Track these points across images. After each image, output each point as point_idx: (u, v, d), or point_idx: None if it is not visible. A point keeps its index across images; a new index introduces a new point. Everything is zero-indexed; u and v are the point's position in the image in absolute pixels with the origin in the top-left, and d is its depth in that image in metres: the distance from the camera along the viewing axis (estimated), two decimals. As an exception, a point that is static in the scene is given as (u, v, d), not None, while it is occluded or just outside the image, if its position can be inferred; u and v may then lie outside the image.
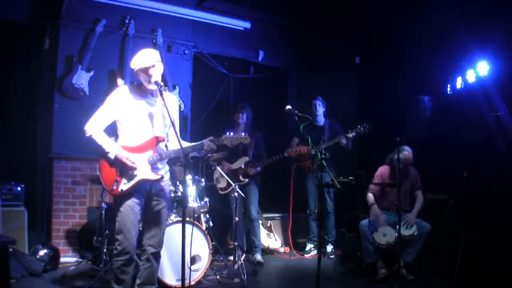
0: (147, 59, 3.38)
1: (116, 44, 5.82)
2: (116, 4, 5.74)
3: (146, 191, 3.44)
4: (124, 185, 3.34)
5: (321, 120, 6.04)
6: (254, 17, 6.84)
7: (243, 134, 3.54)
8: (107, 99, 3.46)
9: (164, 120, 3.48)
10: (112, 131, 3.51)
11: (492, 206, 4.92)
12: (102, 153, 3.39)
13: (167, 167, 3.62)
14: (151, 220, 3.50)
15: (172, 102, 3.56)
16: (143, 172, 3.37)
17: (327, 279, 4.67)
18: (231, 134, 3.50)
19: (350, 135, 5.66)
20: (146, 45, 5.81)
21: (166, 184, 3.59)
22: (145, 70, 3.36)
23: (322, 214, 5.71)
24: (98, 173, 3.47)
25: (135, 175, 3.35)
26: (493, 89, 5.15)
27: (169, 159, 3.51)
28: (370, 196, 5.23)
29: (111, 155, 3.34)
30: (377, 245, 4.87)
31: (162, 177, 3.44)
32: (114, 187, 3.35)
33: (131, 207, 3.37)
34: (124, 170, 3.36)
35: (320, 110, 6.02)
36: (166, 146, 3.44)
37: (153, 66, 3.38)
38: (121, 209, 3.37)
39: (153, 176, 3.40)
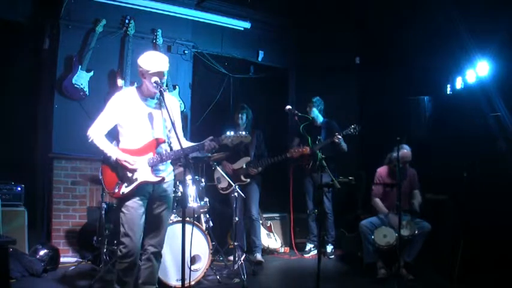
0: (164, 64, 3.37)
1: (116, 44, 5.81)
2: (116, 4, 5.73)
3: (149, 193, 3.46)
4: (125, 188, 3.36)
5: (318, 120, 6.04)
6: (254, 17, 6.84)
7: (243, 132, 3.50)
8: (108, 103, 3.47)
9: (165, 122, 3.48)
10: (114, 135, 3.53)
11: (492, 206, 4.92)
12: (104, 157, 3.43)
13: (171, 168, 3.61)
14: (153, 221, 3.51)
15: (173, 103, 3.56)
16: (143, 174, 3.38)
17: (327, 279, 4.67)
18: (231, 133, 3.45)
19: (339, 136, 5.66)
20: (146, 45, 5.83)
21: (170, 185, 3.59)
22: (158, 74, 3.33)
23: (321, 214, 5.71)
24: (100, 177, 3.51)
25: (136, 178, 3.36)
26: (493, 89, 5.15)
27: (170, 160, 3.50)
28: (379, 202, 5.21)
29: (112, 159, 3.36)
30: (377, 246, 4.87)
31: (163, 179, 3.45)
32: (116, 190, 3.38)
33: (135, 209, 3.38)
34: (124, 173, 3.37)
35: (315, 112, 6.00)
36: (171, 147, 3.42)
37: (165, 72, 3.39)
38: (125, 211, 3.38)
39: (153, 178, 3.41)
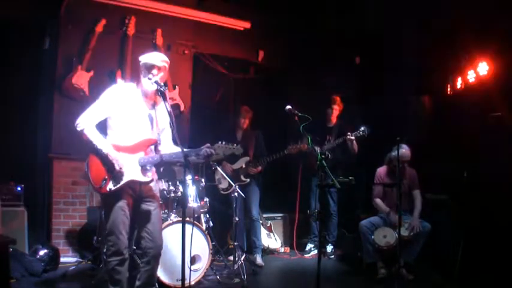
0: (158, 59, 3.39)
1: (115, 44, 5.81)
2: (116, 4, 5.74)
3: (135, 192, 3.42)
4: (112, 185, 3.30)
5: (333, 121, 6.04)
6: (254, 17, 6.84)
7: (235, 144, 3.54)
8: (102, 94, 3.42)
9: (159, 123, 3.48)
10: (102, 126, 3.45)
11: (492, 206, 4.92)
12: (92, 149, 3.33)
13: (154, 168, 3.57)
14: (146, 222, 3.46)
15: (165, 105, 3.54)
16: (133, 173, 3.34)
17: (327, 279, 4.66)
18: (223, 143, 3.49)
19: (351, 137, 5.64)
20: (146, 45, 5.83)
21: (155, 184, 3.57)
22: (151, 67, 3.36)
23: (323, 214, 5.70)
24: (85, 170, 3.38)
25: (125, 176, 3.32)
26: (493, 89, 5.15)
27: (168, 162, 3.49)
28: (380, 202, 5.21)
29: (102, 153, 3.30)
30: (377, 246, 4.86)
31: (152, 180, 3.44)
32: (102, 185, 3.31)
33: (121, 208, 3.34)
34: (113, 169, 3.31)
35: (336, 112, 6.01)
36: (158, 149, 3.40)
37: (159, 68, 3.38)
38: (110, 209, 3.34)
39: (142, 178, 3.38)
